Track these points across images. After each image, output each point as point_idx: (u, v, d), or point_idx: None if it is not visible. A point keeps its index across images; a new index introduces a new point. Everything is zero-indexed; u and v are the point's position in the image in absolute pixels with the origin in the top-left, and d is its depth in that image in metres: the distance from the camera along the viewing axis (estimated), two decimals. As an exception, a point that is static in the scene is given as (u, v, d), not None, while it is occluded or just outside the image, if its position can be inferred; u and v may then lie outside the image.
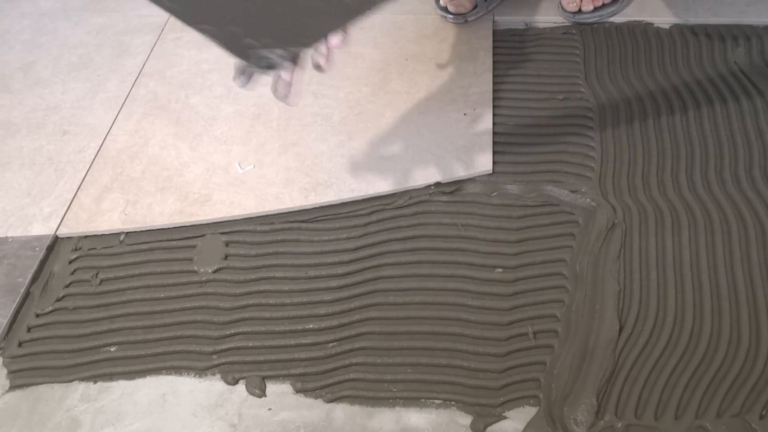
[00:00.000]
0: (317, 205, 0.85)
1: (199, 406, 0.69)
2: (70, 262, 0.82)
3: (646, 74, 0.97)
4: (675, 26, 1.05)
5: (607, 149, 0.88)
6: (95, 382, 0.72)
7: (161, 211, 0.86)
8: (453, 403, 0.67)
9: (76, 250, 0.84)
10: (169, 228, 0.85)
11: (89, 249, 0.84)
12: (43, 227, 0.86)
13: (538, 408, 0.66)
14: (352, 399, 0.68)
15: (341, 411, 0.68)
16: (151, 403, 0.70)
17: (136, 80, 1.05)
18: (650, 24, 1.05)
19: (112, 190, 0.89)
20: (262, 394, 0.69)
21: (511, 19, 1.09)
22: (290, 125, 0.96)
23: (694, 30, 1.03)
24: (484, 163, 0.87)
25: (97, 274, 0.81)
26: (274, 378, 0.70)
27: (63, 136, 0.98)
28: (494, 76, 1.00)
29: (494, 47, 1.05)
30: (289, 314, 0.75)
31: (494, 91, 0.97)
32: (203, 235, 0.83)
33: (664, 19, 1.06)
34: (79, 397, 0.71)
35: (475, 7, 1.09)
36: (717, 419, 0.64)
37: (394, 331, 0.73)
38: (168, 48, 1.11)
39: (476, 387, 0.68)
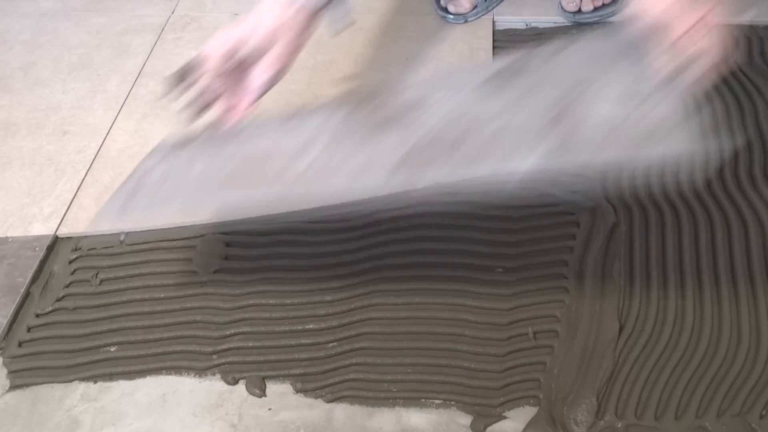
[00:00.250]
0: (317, 205, 0.85)
1: (199, 406, 0.69)
2: (70, 262, 0.82)
3: (646, 74, 0.97)
4: (675, 26, 1.04)
5: (607, 149, 0.88)
6: (95, 382, 0.72)
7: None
8: (453, 403, 0.67)
9: (76, 250, 0.84)
10: (169, 228, 0.85)
11: (89, 249, 0.84)
12: (43, 227, 0.86)
13: (538, 408, 0.66)
14: (352, 399, 0.68)
15: (341, 411, 0.68)
16: (151, 403, 0.70)
17: (136, 80, 1.05)
18: (650, 24, 1.05)
19: (112, 190, 0.89)
20: (262, 394, 0.69)
21: (511, 19, 1.09)
22: (290, 125, 0.96)
23: (694, 30, 1.03)
24: (484, 163, 0.87)
25: (97, 274, 0.81)
26: (274, 378, 0.70)
27: (63, 136, 0.98)
28: (494, 76, 1.00)
29: (494, 47, 1.05)
30: (289, 314, 0.75)
31: (494, 91, 0.97)
32: (203, 235, 0.83)
33: (664, 19, 1.06)
34: (79, 397, 0.71)
35: (475, 7, 1.09)
36: (717, 419, 0.64)
37: (394, 332, 0.73)
38: (168, 48, 1.11)
39: (476, 387, 0.68)
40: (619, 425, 0.64)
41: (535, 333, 0.71)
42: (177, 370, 0.72)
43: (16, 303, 0.77)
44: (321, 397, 0.69)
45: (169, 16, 1.17)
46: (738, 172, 0.84)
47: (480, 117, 0.58)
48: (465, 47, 1.05)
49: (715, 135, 0.53)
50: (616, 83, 0.58)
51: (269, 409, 0.68)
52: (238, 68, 0.74)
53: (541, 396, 0.67)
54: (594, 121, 0.55)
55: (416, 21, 1.11)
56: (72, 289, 0.80)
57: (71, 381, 0.72)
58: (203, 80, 0.73)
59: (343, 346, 0.72)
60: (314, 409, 0.68)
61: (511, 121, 0.57)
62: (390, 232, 0.82)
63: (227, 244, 0.82)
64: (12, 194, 0.91)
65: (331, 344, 0.72)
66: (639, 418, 0.65)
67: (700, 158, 0.54)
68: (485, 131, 0.57)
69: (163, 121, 0.98)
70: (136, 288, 0.79)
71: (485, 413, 0.66)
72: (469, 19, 1.09)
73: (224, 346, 0.73)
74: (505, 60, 0.66)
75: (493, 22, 1.09)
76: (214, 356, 0.72)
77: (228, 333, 0.74)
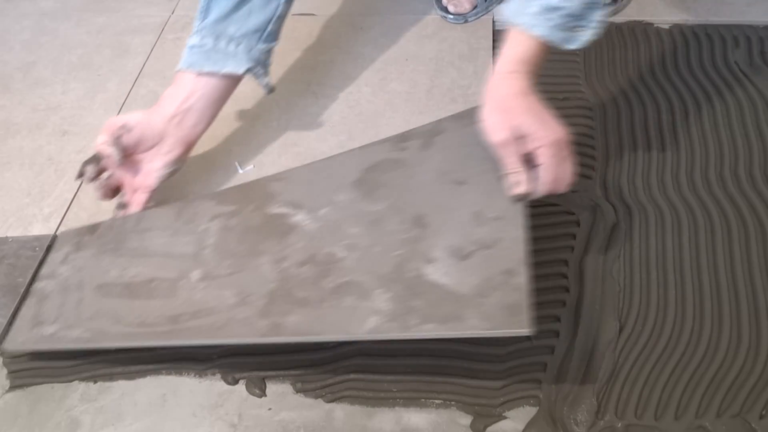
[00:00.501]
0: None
1: (199, 406, 0.69)
2: (70, 262, 0.83)
3: (646, 74, 0.97)
4: (675, 26, 1.05)
5: (607, 149, 0.88)
6: (95, 382, 0.72)
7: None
8: (453, 403, 0.67)
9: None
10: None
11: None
12: (43, 227, 0.86)
13: (538, 408, 0.66)
14: (352, 399, 0.68)
15: (341, 411, 0.68)
16: (151, 403, 0.70)
17: (136, 80, 1.05)
18: (650, 24, 1.05)
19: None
20: (262, 394, 0.69)
21: (511, 19, 1.09)
22: (290, 125, 0.96)
23: (694, 30, 1.03)
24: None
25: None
26: (274, 378, 0.70)
27: (63, 136, 0.98)
28: (494, 76, 1.00)
29: (494, 47, 1.05)
30: (289, 314, 0.75)
31: (494, 91, 0.97)
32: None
33: (664, 19, 1.06)
34: (79, 397, 0.71)
35: (475, 7, 1.09)
36: (717, 419, 0.64)
37: (394, 331, 0.73)
38: (168, 48, 1.11)
39: (476, 387, 0.68)
40: (619, 425, 0.64)
41: (535, 333, 0.71)
42: (177, 370, 0.72)
43: (16, 303, 0.77)
44: (321, 397, 0.69)
45: (169, 16, 1.17)
46: (738, 172, 0.84)
47: (331, 257, 0.67)
48: (465, 47, 1.05)
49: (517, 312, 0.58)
50: (465, 210, 0.66)
51: (269, 409, 0.68)
52: (133, 154, 0.83)
53: (541, 396, 0.67)
54: (427, 284, 0.62)
55: (416, 21, 1.11)
56: (72, 289, 0.80)
57: (71, 381, 0.72)
58: (104, 168, 0.83)
59: (343, 346, 0.72)
60: (314, 409, 0.68)
61: (357, 266, 0.65)
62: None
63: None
64: (12, 194, 0.91)
65: (331, 344, 0.72)
66: (639, 417, 0.65)
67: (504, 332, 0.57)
68: (330, 283, 0.65)
69: (163, 121, 0.98)
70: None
71: (485, 413, 0.66)
72: (469, 19, 1.09)
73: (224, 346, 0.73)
74: (376, 153, 0.75)
75: (493, 22, 1.09)
76: (214, 356, 0.72)
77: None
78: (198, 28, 0.84)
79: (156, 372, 0.72)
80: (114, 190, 0.85)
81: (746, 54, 0.99)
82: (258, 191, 0.78)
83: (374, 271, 0.64)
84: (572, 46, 0.67)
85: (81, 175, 0.82)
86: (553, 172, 0.65)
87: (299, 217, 0.72)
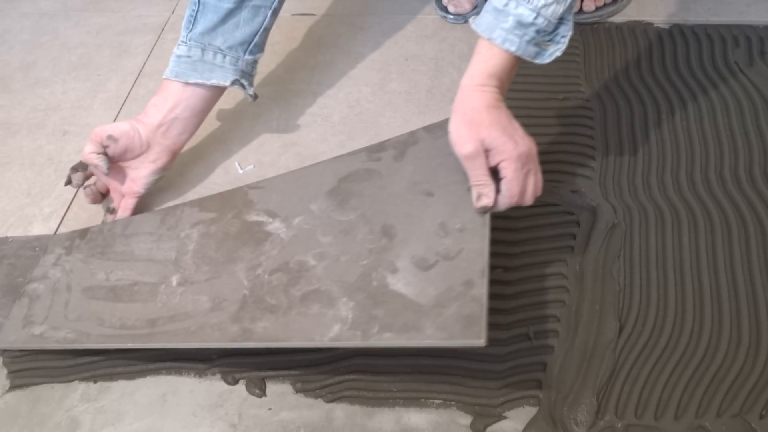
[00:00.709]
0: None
1: (199, 406, 0.69)
2: (70, 262, 0.83)
3: (646, 74, 0.97)
4: (675, 26, 1.05)
5: (607, 149, 0.88)
6: (95, 382, 0.72)
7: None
8: (453, 403, 0.67)
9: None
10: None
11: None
12: (43, 227, 0.86)
13: (538, 408, 0.66)
14: (352, 399, 0.68)
15: (341, 411, 0.68)
16: (151, 403, 0.70)
17: (136, 80, 1.05)
18: (650, 24, 1.05)
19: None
20: (262, 394, 0.69)
21: (511, 19, 1.09)
22: (290, 125, 0.96)
23: (694, 30, 1.03)
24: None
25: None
26: (274, 378, 0.70)
27: (63, 136, 0.98)
28: (494, 76, 1.00)
29: (494, 47, 1.05)
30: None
31: (494, 91, 0.97)
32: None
33: (664, 19, 1.06)
34: (79, 397, 0.71)
35: (475, 7, 1.09)
36: (717, 419, 0.64)
37: (394, 331, 0.73)
38: (168, 48, 1.11)
39: (476, 387, 0.68)
40: (619, 425, 0.64)
41: (535, 333, 0.71)
42: (177, 370, 0.72)
43: (15, 303, 0.77)
44: (321, 397, 0.69)
45: (169, 16, 1.17)
46: (738, 172, 0.84)
47: (302, 265, 0.69)
48: (465, 47, 1.05)
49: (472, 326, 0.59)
50: (431, 221, 0.68)
51: (269, 409, 0.68)
52: (120, 162, 0.84)
53: (541, 396, 0.67)
54: (390, 293, 0.64)
55: (416, 21, 1.11)
56: (72, 289, 0.80)
57: (71, 381, 0.72)
58: (91, 175, 0.85)
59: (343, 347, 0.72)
60: (314, 409, 0.68)
61: (325, 275, 0.67)
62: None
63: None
64: (12, 194, 0.91)
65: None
66: (639, 417, 0.65)
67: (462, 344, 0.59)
68: (299, 291, 0.67)
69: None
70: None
71: (485, 413, 0.66)
72: (469, 19, 1.09)
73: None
74: (352, 162, 0.77)
75: (493, 22, 1.09)
76: (214, 356, 0.72)
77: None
78: (185, 38, 0.84)
79: (156, 372, 0.72)
80: (102, 195, 0.87)
81: (746, 54, 0.99)
82: (238, 199, 0.80)
83: (341, 279, 0.67)
84: (541, 61, 0.68)
85: (69, 182, 0.83)
86: (518, 185, 0.66)
87: (275, 225, 0.75)
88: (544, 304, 0.74)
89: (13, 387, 0.72)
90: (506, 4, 0.64)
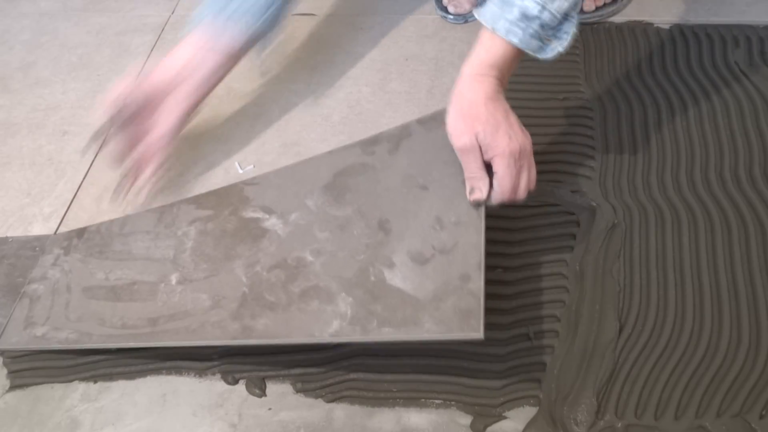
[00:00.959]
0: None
1: (199, 406, 0.69)
2: (70, 262, 0.83)
3: (646, 74, 0.97)
4: (675, 26, 1.05)
5: (607, 149, 0.88)
6: (95, 382, 0.72)
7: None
8: (453, 403, 0.67)
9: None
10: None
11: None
12: (43, 227, 0.86)
13: (538, 408, 0.66)
14: (352, 399, 0.68)
15: (341, 411, 0.68)
16: (151, 403, 0.70)
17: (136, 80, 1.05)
18: (650, 24, 1.05)
19: (112, 191, 0.89)
20: (262, 394, 0.69)
21: (511, 19, 1.09)
22: (290, 125, 0.96)
23: (694, 30, 1.03)
24: (484, 163, 0.87)
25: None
26: (274, 378, 0.70)
27: (63, 136, 0.98)
28: (494, 76, 1.00)
29: (494, 47, 1.05)
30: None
31: (494, 91, 0.97)
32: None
33: (664, 19, 1.06)
34: (79, 397, 0.71)
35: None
36: (717, 419, 0.64)
37: (394, 331, 0.73)
38: (168, 48, 1.10)
39: (476, 387, 0.68)
40: (619, 425, 0.64)
41: (535, 333, 0.71)
42: (177, 370, 0.72)
43: (15, 303, 0.77)
44: (321, 397, 0.69)
45: (169, 16, 1.17)
46: (738, 172, 0.84)
47: (300, 261, 0.70)
48: (465, 47, 1.05)
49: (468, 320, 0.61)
50: (427, 215, 0.69)
51: (269, 409, 0.68)
52: (140, 117, 0.83)
53: (541, 396, 0.67)
54: (387, 288, 0.65)
55: (416, 21, 1.11)
56: (72, 289, 0.80)
57: (71, 381, 0.72)
58: (111, 133, 0.84)
59: (343, 345, 0.72)
60: (314, 409, 0.68)
61: (323, 271, 0.68)
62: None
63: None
64: (12, 194, 0.91)
65: (331, 343, 0.72)
66: (639, 417, 0.65)
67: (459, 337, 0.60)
68: (298, 287, 0.68)
69: (163, 121, 0.98)
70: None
71: (485, 413, 0.66)
72: (469, 19, 1.09)
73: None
74: (346, 156, 0.78)
75: (493, 22, 1.09)
76: (214, 356, 0.72)
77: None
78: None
79: (156, 372, 0.72)
80: (125, 156, 0.85)
81: (746, 54, 0.99)
82: (234, 195, 0.80)
83: (339, 275, 0.67)
84: (543, 56, 0.67)
85: (96, 146, 0.82)
86: (509, 181, 0.66)
87: (271, 222, 0.75)
88: (544, 304, 0.74)
89: (13, 387, 0.72)
90: None
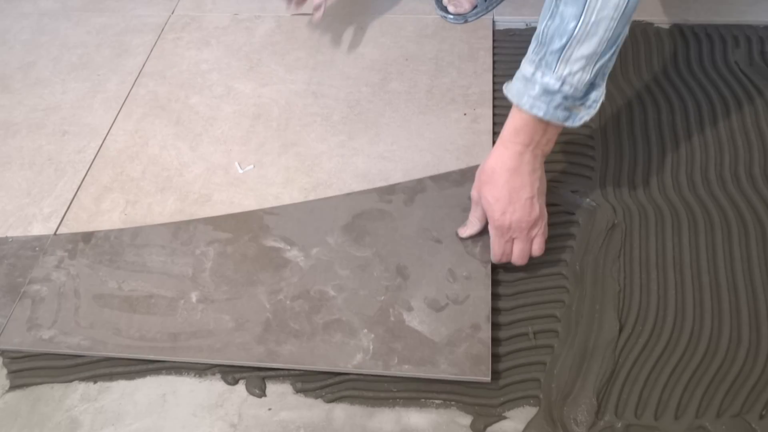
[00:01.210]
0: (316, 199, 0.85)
1: (199, 406, 0.69)
2: (70, 262, 0.83)
3: (646, 74, 0.97)
4: (675, 26, 1.05)
5: (607, 149, 0.88)
6: (95, 382, 0.72)
7: (161, 211, 0.86)
8: (453, 403, 0.67)
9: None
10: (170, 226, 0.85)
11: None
12: (43, 227, 0.86)
13: (538, 408, 0.66)
14: (352, 399, 0.68)
15: (341, 411, 0.68)
16: (151, 403, 0.70)
17: (136, 80, 1.05)
18: (650, 24, 1.05)
19: (112, 190, 0.89)
20: (262, 394, 0.69)
21: (511, 19, 1.09)
22: (290, 125, 0.96)
23: (694, 30, 1.03)
24: (484, 163, 0.88)
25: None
26: (274, 378, 0.70)
27: (63, 136, 0.98)
28: (494, 76, 1.00)
29: (494, 47, 1.05)
30: (289, 314, 0.75)
31: (494, 91, 0.97)
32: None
33: (664, 19, 1.06)
34: (79, 397, 0.71)
35: (475, 7, 1.09)
36: (717, 419, 0.64)
37: (394, 331, 0.73)
38: (168, 48, 1.11)
39: (476, 387, 0.68)
40: (619, 425, 0.64)
41: (535, 333, 0.71)
42: (177, 370, 0.72)
43: (15, 303, 0.77)
44: (321, 397, 0.69)
45: (169, 16, 1.17)
46: (738, 172, 0.84)
47: (323, 294, 0.75)
48: (465, 47, 1.05)
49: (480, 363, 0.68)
50: (441, 266, 0.76)
51: (269, 409, 0.68)
52: None
53: (540, 396, 0.67)
54: (406, 329, 0.71)
55: (416, 21, 1.11)
56: (72, 289, 0.80)
57: (71, 381, 0.72)
58: None
59: (343, 346, 0.72)
60: (314, 409, 0.68)
61: (346, 306, 0.73)
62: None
63: (227, 244, 0.82)
64: (12, 194, 0.91)
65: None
66: (639, 417, 0.65)
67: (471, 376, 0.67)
68: (321, 319, 0.73)
69: (163, 121, 0.98)
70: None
71: (485, 413, 0.66)
72: (469, 19, 1.09)
73: (224, 346, 0.73)
74: (364, 201, 0.84)
75: (493, 22, 1.09)
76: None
77: (228, 333, 0.74)
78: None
79: (156, 372, 0.72)
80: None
81: (746, 54, 0.99)
82: (254, 222, 0.83)
83: (361, 312, 0.73)
84: (571, 125, 0.67)
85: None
86: (496, 248, 0.73)
87: (293, 253, 0.79)
88: (544, 304, 0.74)
89: (13, 387, 0.72)
90: (533, 74, 0.65)
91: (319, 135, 0.94)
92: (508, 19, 1.09)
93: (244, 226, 0.82)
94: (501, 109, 0.94)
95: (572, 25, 0.61)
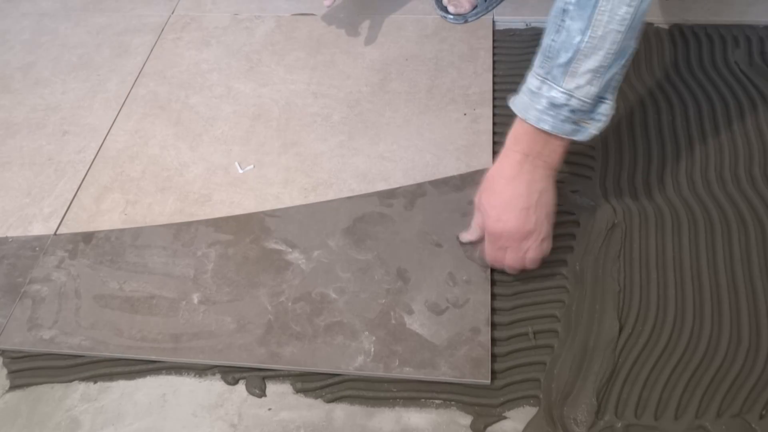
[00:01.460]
0: (317, 202, 0.85)
1: (199, 406, 0.69)
2: (70, 262, 0.83)
3: (646, 74, 0.97)
4: (675, 26, 1.05)
5: (607, 149, 0.88)
6: (95, 382, 0.72)
7: (161, 211, 0.86)
8: (453, 403, 0.67)
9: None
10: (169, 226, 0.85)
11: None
12: (43, 227, 0.86)
13: (538, 408, 0.66)
14: (352, 399, 0.68)
15: (341, 411, 0.68)
16: (151, 403, 0.70)
17: (136, 80, 1.05)
18: (650, 24, 1.05)
19: (112, 190, 0.89)
20: (262, 394, 0.69)
21: (511, 19, 1.09)
22: (290, 125, 0.96)
23: (694, 30, 1.03)
24: (483, 162, 0.87)
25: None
26: (274, 378, 0.70)
27: (63, 136, 0.98)
28: (494, 76, 1.00)
29: (494, 47, 1.05)
30: (289, 314, 0.75)
31: (494, 91, 0.97)
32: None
33: (664, 19, 1.06)
34: (79, 397, 0.71)
35: (475, 7, 1.09)
36: (717, 419, 0.64)
37: (394, 331, 0.73)
38: (168, 48, 1.11)
39: (476, 387, 0.68)
40: (619, 425, 0.64)
41: (534, 333, 0.72)
42: (177, 370, 0.72)
43: (15, 303, 0.77)
44: (321, 397, 0.69)
45: (169, 16, 1.17)
46: (738, 172, 0.84)
47: (324, 297, 0.75)
48: (465, 47, 1.05)
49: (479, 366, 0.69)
50: (441, 270, 0.76)
51: (269, 409, 0.68)
52: None
53: (540, 396, 0.67)
54: (407, 332, 0.71)
55: (416, 21, 1.11)
56: (72, 289, 0.80)
57: (71, 381, 0.72)
58: None
59: (343, 346, 0.72)
60: (314, 409, 0.68)
61: (347, 309, 0.74)
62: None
63: (227, 244, 0.82)
64: (12, 194, 0.91)
65: (331, 344, 0.72)
66: (639, 417, 0.65)
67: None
68: (323, 321, 0.73)
69: (163, 121, 0.98)
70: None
71: (485, 413, 0.66)
72: (469, 19, 1.09)
73: (224, 346, 0.73)
74: (365, 204, 0.84)
75: (493, 22, 1.09)
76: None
77: (228, 333, 0.74)
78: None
79: (156, 372, 0.72)
80: None
81: (746, 54, 0.99)
82: (255, 224, 0.83)
83: (362, 315, 0.73)
84: (580, 138, 0.67)
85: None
86: (489, 254, 0.73)
87: (294, 255, 0.79)
88: (543, 304, 0.74)
89: (13, 387, 0.72)
90: (539, 87, 0.64)
91: (319, 135, 0.94)
92: (508, 19, 1.09)
93: (245, 228, 0.82)
94: (501, 109, 0.94)
95: (578, 39, 0.60)
